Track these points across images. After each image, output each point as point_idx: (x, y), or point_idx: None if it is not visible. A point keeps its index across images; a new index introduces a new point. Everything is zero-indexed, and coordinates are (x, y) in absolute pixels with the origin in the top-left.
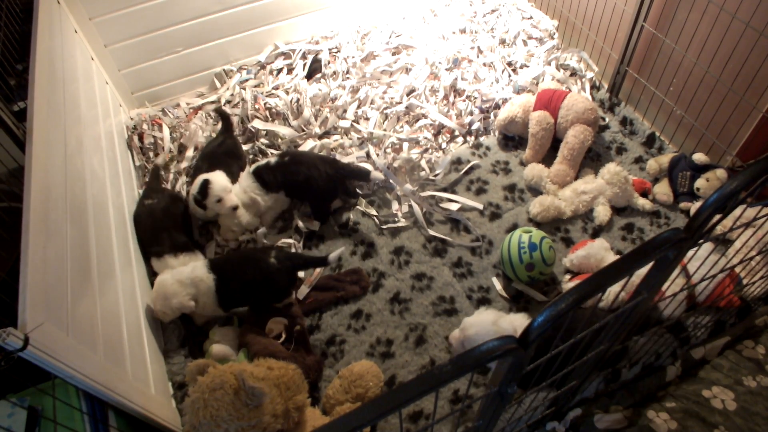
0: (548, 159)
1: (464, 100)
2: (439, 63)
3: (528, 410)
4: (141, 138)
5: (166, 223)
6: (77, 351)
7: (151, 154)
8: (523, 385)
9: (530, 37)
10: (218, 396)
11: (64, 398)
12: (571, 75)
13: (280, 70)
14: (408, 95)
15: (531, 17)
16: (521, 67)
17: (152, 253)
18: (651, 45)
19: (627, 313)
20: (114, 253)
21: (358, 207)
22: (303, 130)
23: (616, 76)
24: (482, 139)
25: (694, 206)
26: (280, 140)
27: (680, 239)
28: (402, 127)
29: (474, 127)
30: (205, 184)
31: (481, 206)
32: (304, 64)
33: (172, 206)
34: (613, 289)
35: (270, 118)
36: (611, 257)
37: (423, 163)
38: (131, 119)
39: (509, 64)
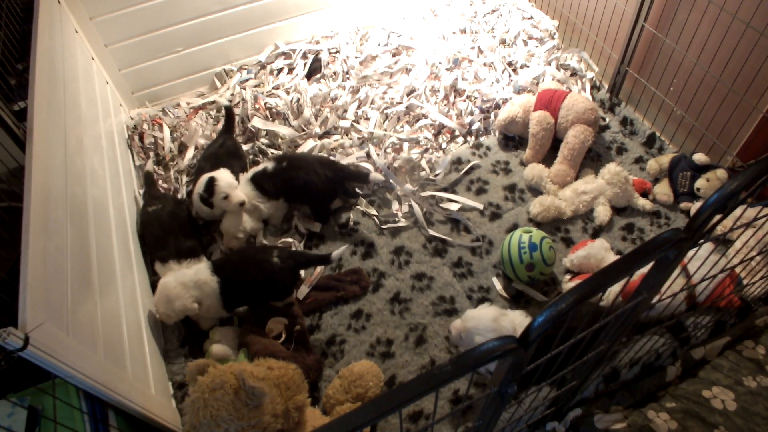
0: (548, 159)
1: (464, 100)
2: (440, 63)
3: (528, 410)
4: (141, 138)
5: (172, 228)
6: (77, 351)
7: (152, 154)
8: (522, 384)
9: (530, 37)
10: (218, 396)
11: (64, 398)
12: (572, 75)
13: (280, 70)
14: (408, 95)
15: (531, 17)
16: (521, 67)
17: (157, 257)
18: (651, 45)
19: (627, 313)
20: (114, 252)
21: (358, 207)
22: (303, 130)
23: (617, 76)
24: (482, 139)
25: (695, 206)
26: (280, 140)
27: (680, 239)
28: (402, 127)
29: (474, 127)
30: (211, 181)
31: (481, 206)
32: (305, 64)
33: (177, 210)
34: (613, 289)
35: (270, 118)
36: (611, 257)
37: (423, 163)
38: (131, 119)
39: (509, 64)
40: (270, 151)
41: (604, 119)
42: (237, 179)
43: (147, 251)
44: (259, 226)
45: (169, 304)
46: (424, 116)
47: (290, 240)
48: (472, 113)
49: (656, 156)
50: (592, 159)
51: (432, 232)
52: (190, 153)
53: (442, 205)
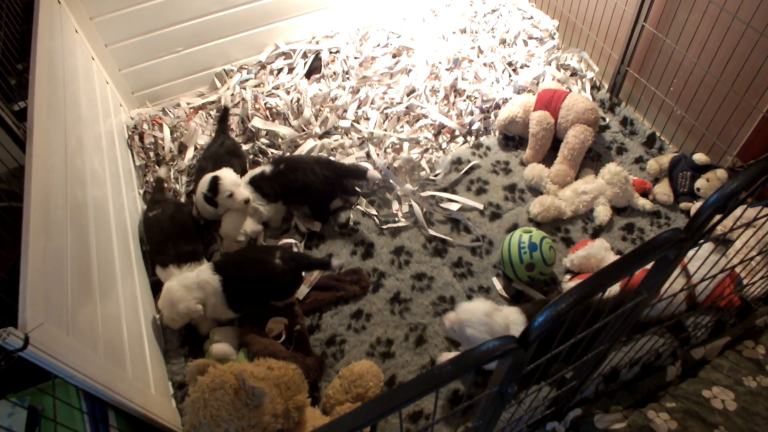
0: (548, 159)
1: (464, 100)
2: (440, 63)
3: (528, 410)
4: (141, 138)
5: (172, 233)
6: (77, 351)
7: (152, 154)
8: (521, 384)
9: (531, 37)
10: (218, 396)
11: (64, 398)
12: (572, 75)
13: (280, 70)
14: (408, 95)
15: (531, 17)
16: (522, 67)
17: (158, 262)
18: (651, 45)
19: (627, 313)
20: (114, 252)
21: (358, 207)
22: (303, 130)
23: (617, 76)
24: (482, 139)
25: (695, 206)
26: (280, 140)
27: (680, 239)
28: (402, 127)
29: (474, 127)
30: (215, 180)
31: (481, 206)
32: (305, 63)
33: (177, 214)
34: (613, 289)
35: (270, 118)
36: (611, 257)
37: (423, 163)
38: (131, 119)
39: (510, 64)
40: (270, 151)
41: (604, 119)
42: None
43: (148, 255)
44: (259, 229)
45: (173, 308)
46: (424, 116)
47: (292, 241)
48: (472, 113)
49: (656, 156)
50: (592, 159)
51: (432, 232)
52: (190, 153)
53: (442, 205)
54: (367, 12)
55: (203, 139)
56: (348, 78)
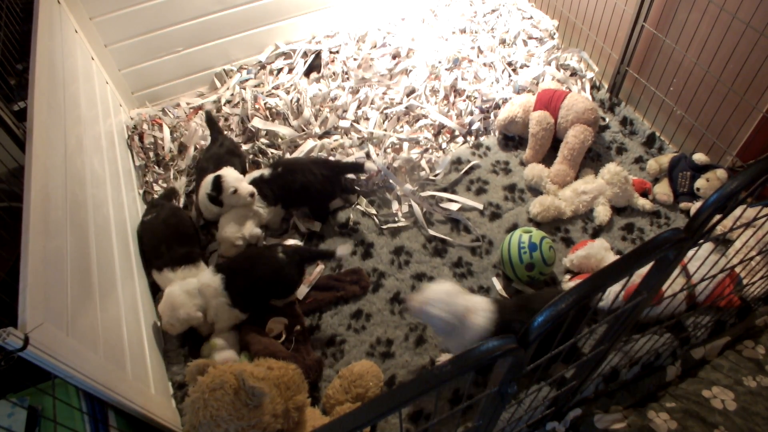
0: (548, 159)
1: (464, 100)
2: (439, 63)
3: (528, 410)
4: (141, 138)
5: (165, 236)
6: (77, 351)
7: (151, 154)
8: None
9: (530, 37)
10: (218, 396)
11: (64, 398)
12: (572, 75)
13: (280, 70)
14: (408, 95)
15: (531, 17)
16: (521, 67)
17: (153, 266)
18: (651, 45)
19: (627, 313)
20: (114, 252)
21: (358, 207)
22: (303, 130)
23: (616, 76)
24: (482, 139)
25: (694, 206)
26: (280, 140)
27: (680, 239)
28: (402, 127)
29: (474, 127)
30: (218, 179)
31: (481, 206)
32: (305, 62)
33: (170, 218)
34: (613, 289)
35: (270, 118)
36: (611, 257)
37: (423, 163)
38: (131, 119)
39: (509, 64)
40: (270, 151)
41: (603, 119)
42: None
43: (146, 260)
44: (257, 233)
45: (173, 313)
46: (424, 116)
47: (292, 241)
48: (472, 113)
49: (656, 156)
50: (592, 159)
51: (432, 232)
52: (190, 153)
53: (442, 205)
54: (367, 12)
55: (203, 140)
56: (348, 78)
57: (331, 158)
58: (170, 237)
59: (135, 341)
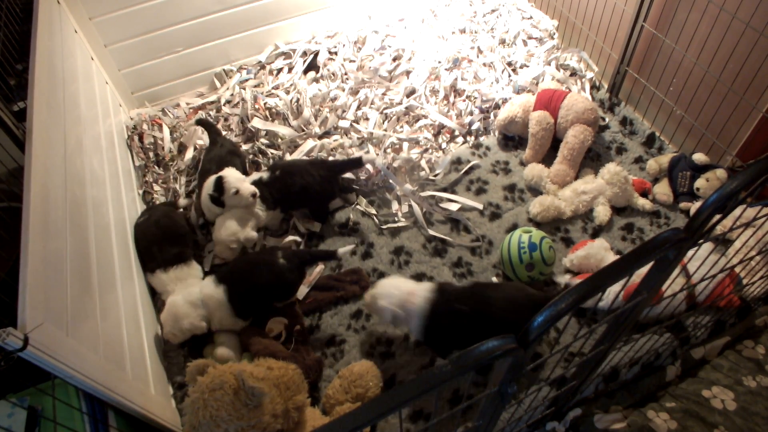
0: (548, 159)
1: (464, 100)
2: (439, 63)
3: (528, 410)
4: (141, 138)
5: (156, 238)
6: (77, 351)
7: (151, 155)
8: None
9: (530, 37)
10: (218, 396)
11: (64, 398)
12: (571, 75)
13: (280, 70)
14: (408, 96)
15: (531, 17)
16: (521, 67)
17: (147, 269)
18: (651, 45)
19: (627, 313)
20: (114, 252)
21: (358, 207)
22: (303, 130)
23: (616, 76)
24: (482, 139)
25: (694, 206)
26: (279, 140)
27: (680, 239)
28: (402, 127)
29: (474, 127)
30: (220, 180)
31: (481, 206)
32: (304, 61)
33: (162, 219)
34: (613, 289)
35: (270, 118)
36: (611, 257)
37: (423, 163)
38: (131, 119)
39: (509, 64)
40: (270, 151)
41: (603, 119)
42: None
43: (142, 263)
44: (253, 236)
45: (176, 323)
46: (424, 116)
47: (293, 239)
48: (471, 113)
49: (656, 156)
50: (591, 159)
51: (432, 232)
52: (189, 153)
53: (441, 205)
54: (367, 12)
55: (203, 140)
56: (347, 78)
57: (330, 158)
58: (162, 238)
59: (135, 341)
